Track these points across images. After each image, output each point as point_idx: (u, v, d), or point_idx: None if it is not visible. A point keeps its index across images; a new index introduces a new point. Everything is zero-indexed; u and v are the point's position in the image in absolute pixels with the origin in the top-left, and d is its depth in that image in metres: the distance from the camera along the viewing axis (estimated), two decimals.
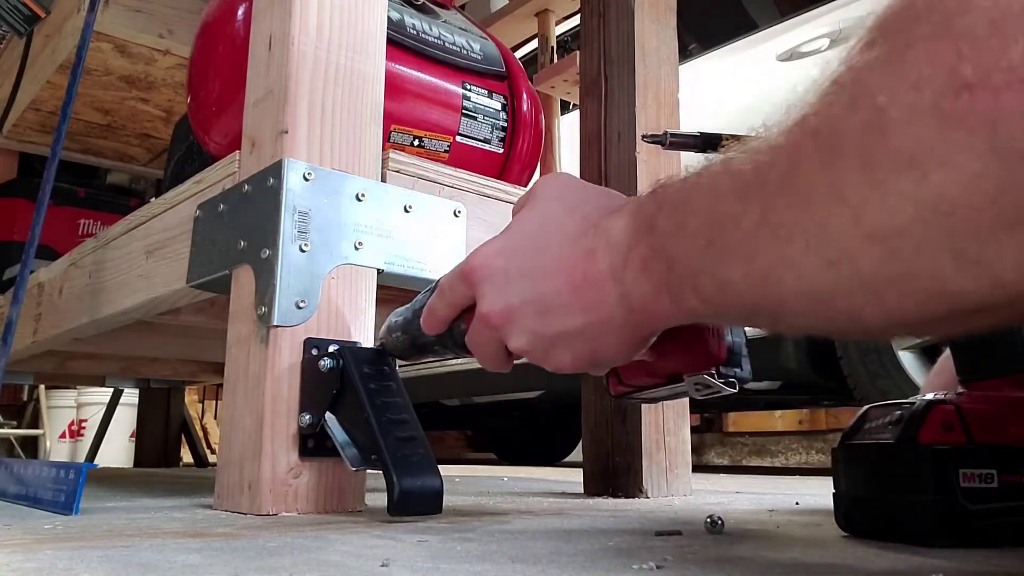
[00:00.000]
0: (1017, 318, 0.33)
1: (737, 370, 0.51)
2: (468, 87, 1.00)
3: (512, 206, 0.56)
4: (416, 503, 0.62)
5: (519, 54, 2.32)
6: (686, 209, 0.40)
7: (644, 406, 1.01)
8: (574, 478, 1.42)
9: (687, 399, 0.81)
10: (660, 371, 0.53)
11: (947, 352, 0.73)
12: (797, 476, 2.02)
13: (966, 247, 0.28)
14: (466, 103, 0.99)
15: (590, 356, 0.48)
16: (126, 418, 3.24)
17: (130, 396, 2.71)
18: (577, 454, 3.85)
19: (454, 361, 2.93)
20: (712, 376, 0.50)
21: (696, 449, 4.10)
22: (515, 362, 0.55)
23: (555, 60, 1.80)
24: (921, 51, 0.28)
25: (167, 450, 2.31)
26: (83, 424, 3.86)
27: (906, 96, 0.28)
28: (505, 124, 1.04)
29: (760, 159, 0.35)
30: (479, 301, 0.50)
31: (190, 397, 4.29)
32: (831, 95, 0.32)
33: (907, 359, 1.80)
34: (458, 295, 0.54)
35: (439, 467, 0.65)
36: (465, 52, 1.01)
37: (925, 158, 0.28)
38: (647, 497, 0.98)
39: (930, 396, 0.55)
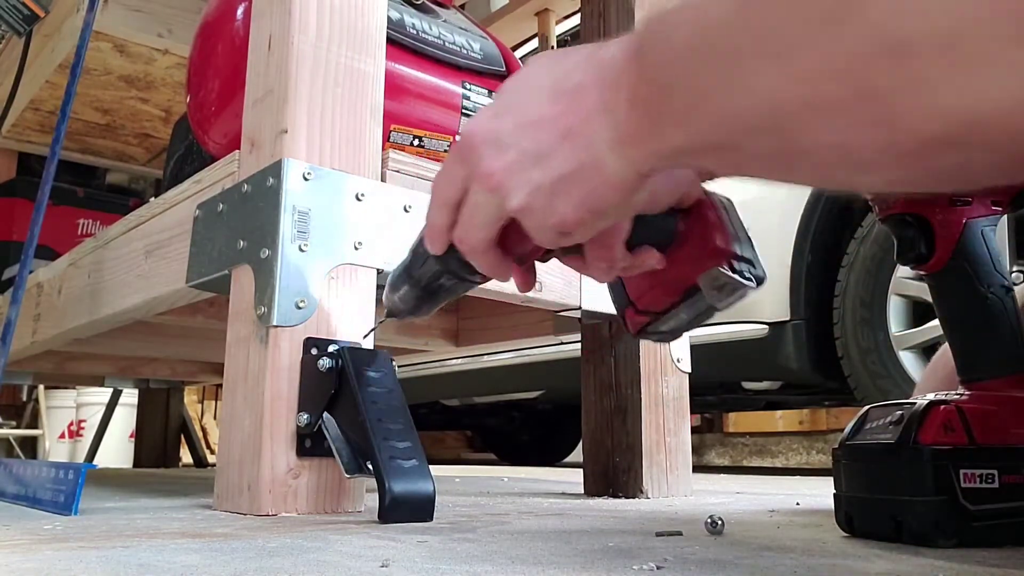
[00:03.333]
0: (970, 174, 0.31)
1: (749, 267, 0.50)
2: (468, 87, 1.00)
3: None
4: (407, 510, 0.62)
5: (519, 54, 2.31)
6: (675, 21, 0.39)
7: (644, 406, 1.00)
8: (574, 478, 1.42)
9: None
10: (674, 284, 0.51)
11: (941, 350, 0.73)
12: (798, 476, 2.02)
13: (907, 49, 0.27)
14: (466, 103, 0.99)
15: (589, 203, 0.45)
16: (125, 418, 3.24)
17: (129, 396, 2.71)
18: (577, 454, 3.85)
19: (454, 361, 2.93)
20: (725, 269, 0.49)
21: (696, 449, 4.11)
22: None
23: None
24: None
25: (166, 450, 2.31)
26: (82, 424, 3.85)
27: None
28: None
29: None
30: (476, 166, 0.47)
31: (189, 397, 4.30)
32: None
33: (908, 359, 1.80)
34: (455, 181, 0.49)
35: (439, 468, 0.65)
36: (465, 52, 1.01)
37: None
38: (647, 497, 0.98)
39: (931, 396, 0.55)
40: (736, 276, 0.49)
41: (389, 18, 0.87)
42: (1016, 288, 0.61)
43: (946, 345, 0.73)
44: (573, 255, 0.52)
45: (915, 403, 0.54)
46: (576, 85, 0.44)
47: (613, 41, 0.44)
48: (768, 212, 1.97)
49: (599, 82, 0.43)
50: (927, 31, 0.26)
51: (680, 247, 0.50)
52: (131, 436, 3.01)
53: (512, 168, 0.46)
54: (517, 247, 0.49)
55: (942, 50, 0.26)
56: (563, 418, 3.85)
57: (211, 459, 2.79)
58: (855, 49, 0.29)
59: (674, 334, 0.55)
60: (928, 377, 0.77)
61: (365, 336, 0.73)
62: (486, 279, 0.53)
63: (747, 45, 0.34)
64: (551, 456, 3.98)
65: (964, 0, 0.25)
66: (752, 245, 0.50)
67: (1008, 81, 0.25)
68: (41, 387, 3.85)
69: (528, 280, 0.53)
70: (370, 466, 0.66)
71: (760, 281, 0.49)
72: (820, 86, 0.31)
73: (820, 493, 1.12)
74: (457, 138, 0.48)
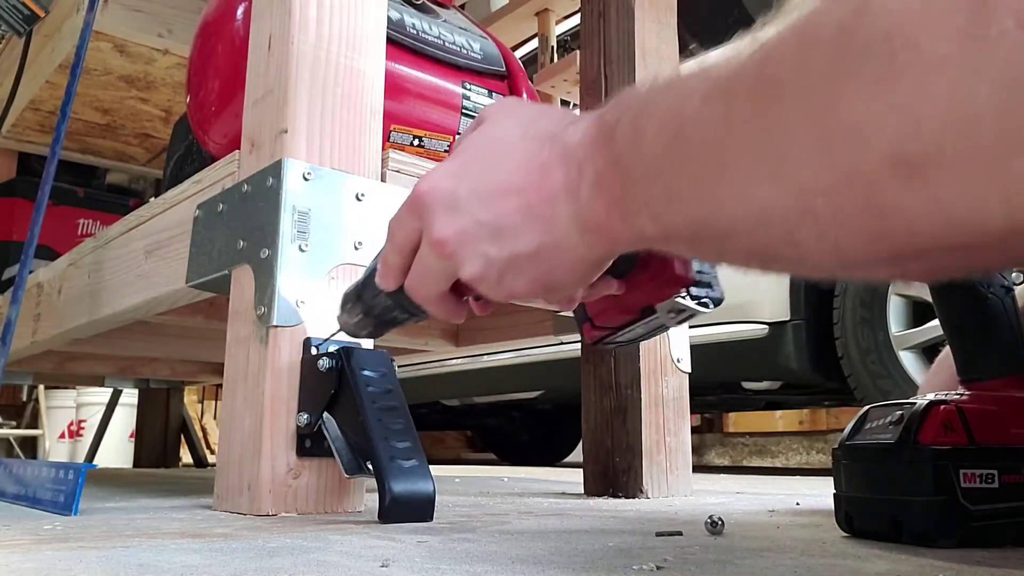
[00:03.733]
0: (968, 268, 0.31)
1: (708, 290, 0.50)
2: (468, 86, 1.00)
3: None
4: (407, 510, 0.62)
5: (519, 53, 2.31)
6: (649, 111, 0.37)
7: (644, 406, 1.00)
8: (574, 478, 1.42)
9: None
10: (631, 305, 0.52)
11: (945, 351, 0.73)
12: (798, 476, 2.02)
13: (911, 153, 0.26)
14: (466, 103, 0.99)
15: (544, 281, 0.44)
16: (125, 418, 3.24)
17: (129, 396, 2.71)
18: (577, 454, 3.85)
19: (454, 361, 2.93)
20: (683, 298, 0.50)
21: (696, 449, 4.11)
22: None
23: (555, 59, 1.80)
24: None
25: (166, 450, 2.31)
26: (82, 424, 3.85)
27: None
28: None
29: (737, 62, 0.32)
30: (429, 227, 0.46)
31: (189, 397, 4.30)
32: None
33: (908, 359, 1.80)
34: (408, 232, 0.49)
35: (439, 468, 0.65)
36: (465, 52, 1.01)
37: (896, 39, 0.25)
38: (647, 497, 0.98)
39: (931, 396, 0.55)
40: (693, 304, 0.49)
41: (389, 18, 0.87)
42: (1016, 288, 0.61)
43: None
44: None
45: (915, 403, 0.54)
46: (542, 164, 0.42)
47: (584, 117, 0.42)
48: None
49: (564, 162, 0.41)
50: (934, 148, 0.25)
51: (639, 272, 0.50)
52: (131, 436, 3.01)
53: (466, 238, 0.44)
54: (471, 290, 0.49)
55: (952, 165, 0.25)
56: (563, 418, 3.85)
57: (211, 459, 2.79)
58: (859, 167, 0.27)
59: (630, 344, 0.57)
60: (931, 378, 0.77)
61: (325, 341, 0.70)
62: None
63: (735, 155, 0.32)
64: (551, 456, 3.98)
65: (970, 117, 0.24)
66: (712, 265, 0.51)
67: (1014, 190, 0.24)
68: (41, 387, 3.85)
69: (485, 308, 0.52)
70: (370, 466, 0.66)
71: (717, 303, 0.50)
72: (818, 199, 0.29)
73: (820, 493, 1.12)
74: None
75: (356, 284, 0.59)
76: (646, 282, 0.50)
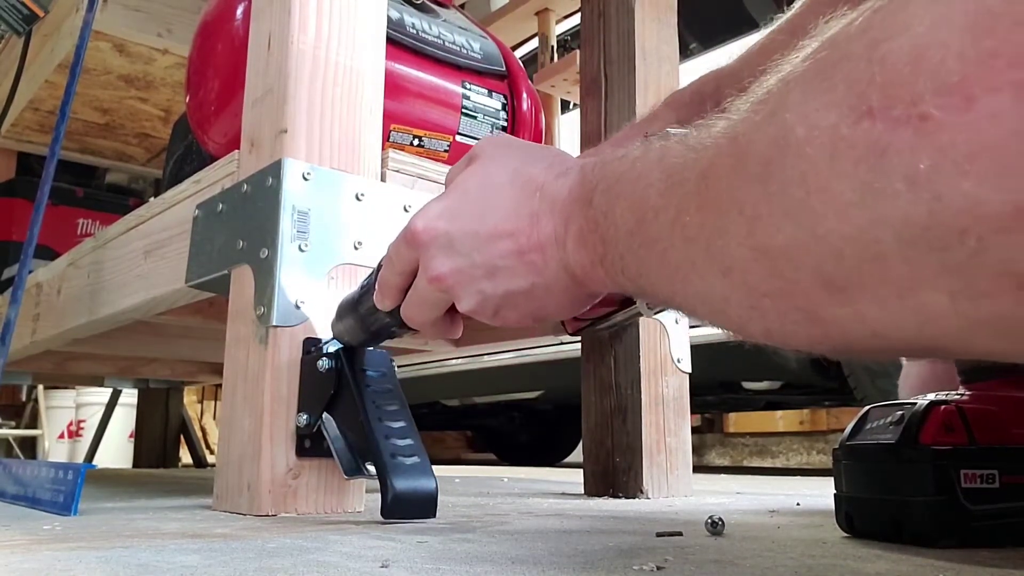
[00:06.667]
0: (902, 354, 0.33)
1: None
2: (468, 86, 1.00)
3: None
4: (410, 507, 0.62)
5: (519, 53, 2.31)
6: (617, 192, 0.41)
7: (644, 406, 1.00)
8: (574, 478, 1.41)
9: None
10: (612, 299, 0.54)
11: None
12: (798, 477, 2.02)
13: (836, 276, 0.28)
14: (466, 102, 0.99)
15: (536, 313, 0.49)
16: (125, 418, 3.24)
17: (129, 396, 2.70)
18: (577, 454, 3.85)
19: (454, 361, 2.93)
20: None
21: (697, 449, 4.11)
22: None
23: (555, 59, 1.80)
24: (844, 70, 0.27)
25: (166, 451, 2.31)
26: (82, 424, 3.85)
27: (814, 116, 0.27)
28: (505, 123, 1.04)
29: (689, 156, 0.35)
30: (427, 264, 0.50)
31: (189, 397, 4.30)
32: (759, 103, 0.31)
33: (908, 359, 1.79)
34: (405, 261, 0.52)
35: (439, 468, 0.65)
36: (465, 51, 1.01)
37: (811, 180, 0.28)
38: (647, 498, 0.98)
39: (931, 396, 0.55)
40: None
41: (389, 18, 0.87)
42: None
43: None
44: None
45: (915, 403, 0.54)
46: (531, 212, 0.46)
47: (570, 170, 0.46)
48: None
49: (551, 214, 0.45)
50: (856, 274, 0.28)
51: None
52: (131, 436, 3.01)
53: (462, 276, 0.48)
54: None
55: (872, 290, 0.27)
56: (563, 418, 3.85)
57: (211, 459, 2.79)
58: (796, 282, 0.30)
59: (609, 330, 0.59)
60: (905, 376, 0.78)
61: (325, 343, 0.71)
62: None
63: (689, 253, 0.35)
64: (551, 456, 3.98)
65: (879, 255, 0.26)
66: None
67: (938, 304, 0.26)
68: (41, 387, 3.85)
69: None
70: (369, 467, 0.66)
71: None
72: (765, 300, 0.32)
73: (820, 493, 1.12)
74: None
75: (352, 296, 0.62)
76: None
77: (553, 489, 1.20)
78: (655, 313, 0.54)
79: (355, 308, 0.61)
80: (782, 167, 0.29)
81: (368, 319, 0.60)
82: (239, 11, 0.91)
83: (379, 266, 0.58)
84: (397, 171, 0.82)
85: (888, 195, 0.25)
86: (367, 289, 0.59)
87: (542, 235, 0.45)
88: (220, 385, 0.99)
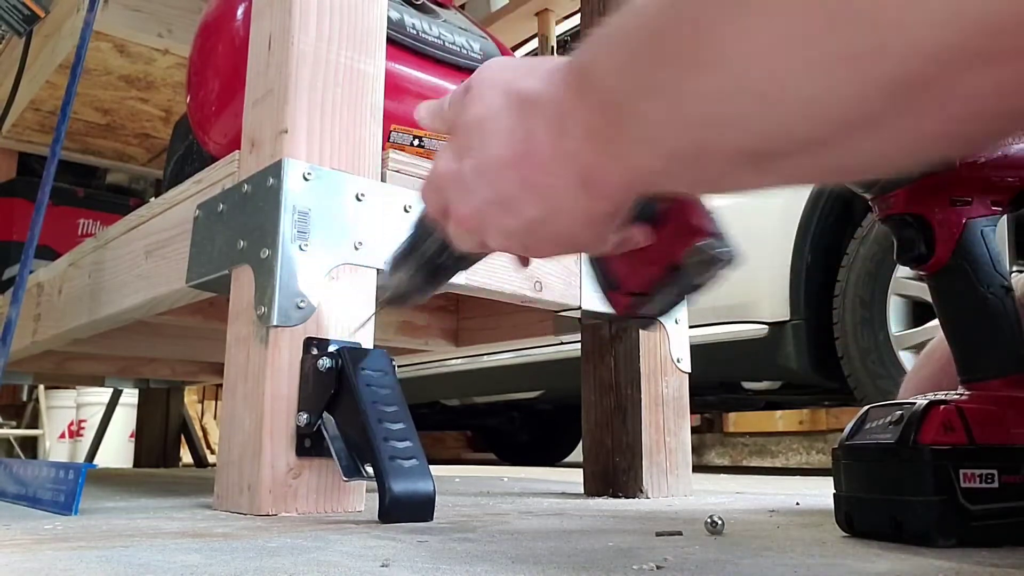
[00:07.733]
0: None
1: (723, 243, 0.51)
2: None
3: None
4: (407, 510, 0.62)
5: (519, 53, 2.31)
6: (616, 36, 0.37)
7: (644, 406, 1.00)
8: (574, 478, 1.42)
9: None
10: (655, 261, 0.52)
11: (929, 347, 0.73)
12: (798, 476, 2.02)
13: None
14: None
15: (565, 240, 0.46)
16: (125, 418, 3.24)
17: (129, 396, 2.71)
18: (577, 454, 3.85)
19: (454, 361, 2.93)
20: (708, 245, 0.50)
21: (696, 449, 4.11)
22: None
23: None
24: None
25: (166, 450, 2.31)
26: (82, 424, 3.85)
27: None
28: None
29: None
30: (451, 209, 0.48)
31: (190, 397, 4.29)
32: None
33: (908, 359, 1.79)
34: (438, 202, 0.50)
35: (439, 468, 0.65)
36: (465, 52, 1.01)
37: None
38: (647, 497, 0.98)
39: (931, 396, 0.55)
40: (717, 250, 0.49)
41: (389, 18, 0.87)
42: (1014, 277, 0.62)
43: (932, 343, 0.73)
44: None
45: (915, 403, 0.54)
46: (527, 132, 0.43)
47: (557, 70, 0.42)
48: (768, 212, 1.97)
49: (547, 125, 0.42)
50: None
51: (662, 227, 0.50)
52: (131, 436, 3.01)
53: (481, 215, 0.46)
54: None
55: None
56: (563, 418, 3.85)
57: (211, 459, 2.79)
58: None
59: (661, 313, 0.56)
60: (912, 376, 0.77)
61: (360, 327, 0.72)
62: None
63: (717, 13, 0.31)
64: (551, 456, 3.98)
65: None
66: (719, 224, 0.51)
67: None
68: (41, 387, 3.85)
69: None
70: (369, 468, 0.66)
71: (735, 256, 0.50)
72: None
73: (820, 493, 1.12)
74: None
75: (400, 246, 0.59)
76: (670, 234, 0.50)
77: (553, 489, 1.20)
78: (706, 271, 0.50)
79: (409, 249, 0.59)
80: None
81: (425, 249, 0.57)
82: (240, 11, 0.91)
83: (420, 215, 0.57)
84: (397, 171, 0.82)
85: None
86: (419, 222, 0.57)
87: (542, 154, 0.42)
88: (221, 385, 0.99)
